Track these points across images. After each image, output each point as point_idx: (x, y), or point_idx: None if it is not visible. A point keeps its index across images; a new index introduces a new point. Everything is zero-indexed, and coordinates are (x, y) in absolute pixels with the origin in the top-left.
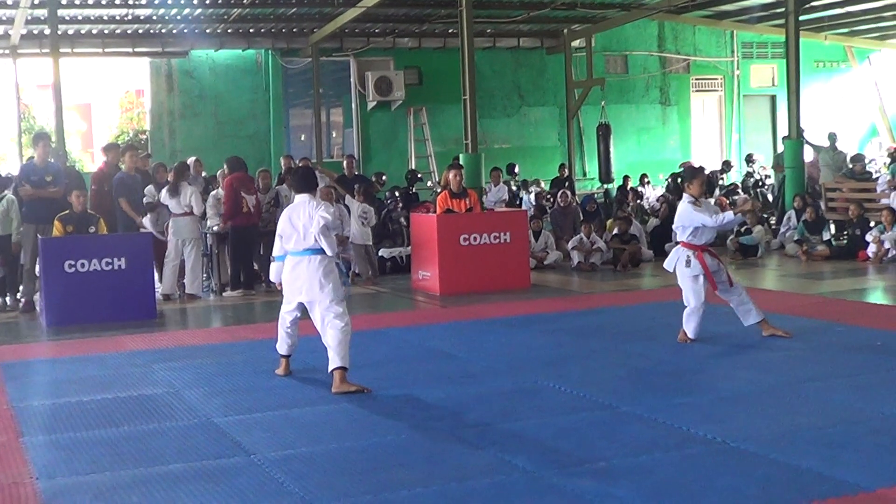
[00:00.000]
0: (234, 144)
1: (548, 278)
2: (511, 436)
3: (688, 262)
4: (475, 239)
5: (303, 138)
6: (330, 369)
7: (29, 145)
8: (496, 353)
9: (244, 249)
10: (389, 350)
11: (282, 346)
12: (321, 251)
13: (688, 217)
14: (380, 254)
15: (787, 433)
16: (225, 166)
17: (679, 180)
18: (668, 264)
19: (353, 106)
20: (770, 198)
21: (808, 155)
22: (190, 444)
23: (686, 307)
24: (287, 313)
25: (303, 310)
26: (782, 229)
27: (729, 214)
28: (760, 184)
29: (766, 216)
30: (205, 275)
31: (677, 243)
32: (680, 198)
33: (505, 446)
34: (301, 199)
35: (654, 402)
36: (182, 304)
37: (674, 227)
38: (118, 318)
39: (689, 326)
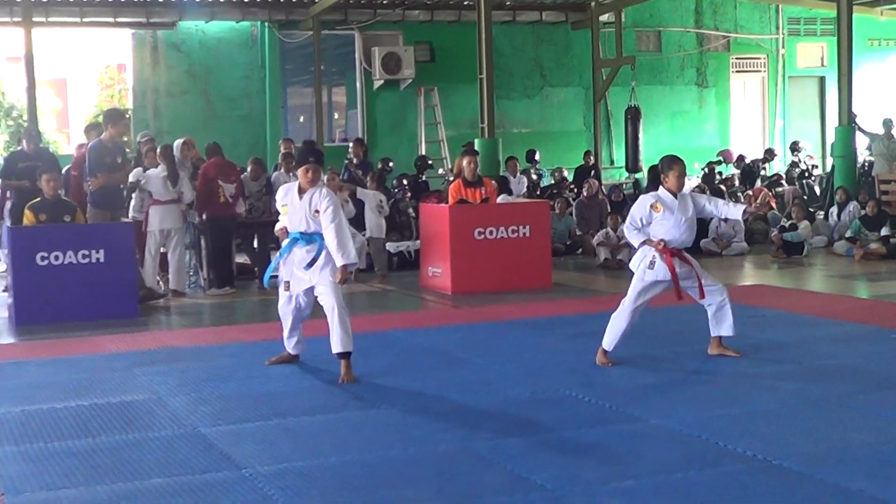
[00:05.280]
0: (226, 126)
1: (571, 277)
2: (530, 450)
3: (651, 264)
4: (491, 232)
5: (301, 120)
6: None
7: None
8: (513, 359)
9: (223, 243)
10: (396, 354)
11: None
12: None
13: (634, 213)
14: (386, 248)
15: (834, 450)
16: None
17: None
18: (633, 263)
19: (358, 85)
20: (818, 190)
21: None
22: (174, 456)
23: (618, 311)
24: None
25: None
26: (832, 225)
27: (636, 240)
28: (807, 174)
29: (812, 210)
30: (191, 270)
31: (643, 243)
32: (713, 190)
33: (523, 462)
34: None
35: (688, 415)
36: (166, 301)
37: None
38: (96, 316)
39: (609, 335)
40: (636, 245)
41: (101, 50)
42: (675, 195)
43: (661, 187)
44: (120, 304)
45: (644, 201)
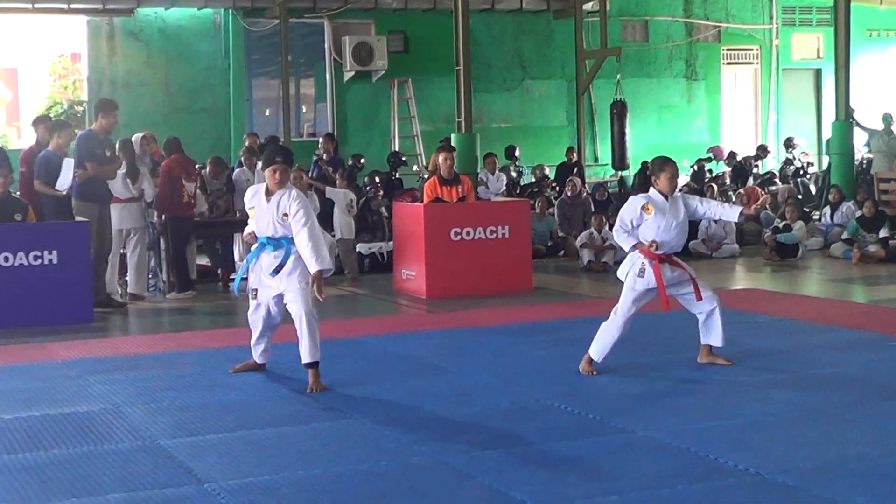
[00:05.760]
0: (188, 119)
1: (553, 280)
2: (509, 464)
3: (641, 272)
4: (468, 233)
5: (268, 113)
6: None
7: None
8: (492, 367)
9: (184, 244)
10: (367, 362)
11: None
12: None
13: (624, 215)
14: (357, 249)
15: (832, 464)
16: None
17: (648, 171)
18: (621, 272)
19: (328, 76)
20: (813, 189)
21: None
22: (132, 470)
23: (609, 321)
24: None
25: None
26: (824, 227)
27: (627, 245)
28: (802, 172)
29: (808, 211)
30: (150, 273)
31: (634, 247)
32: (701, 190)
33: (502, 476)
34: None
35: (676, 427)
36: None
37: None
38: (48, 321)
39: (598, 346)
40: (626, 249)
41: (54, 38)
42: (666, 197)
43: (651, 189)
44: (74, 309)
45: (635, 202)
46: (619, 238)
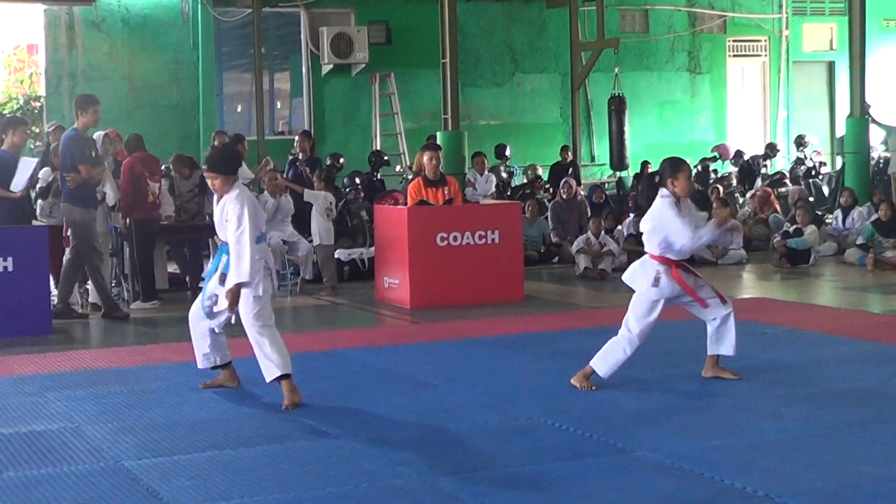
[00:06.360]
0: (153, 116)
1: (546, 288)
2: (499, 486)
3: (655, 281)
4: (455, 238)
5: (239, 110)
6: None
7: None
8: (481, 382)
9: (150, 249)
10: (347, 377)
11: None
12: None
13: (668, 223)
14: (336, 255)
15: (847, 486)
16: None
17: (657, 177)
18: (630, 279)
19: (304, 70)
20: (826, 191)
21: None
22: (93, 493)
23: (620, 336)
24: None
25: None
26: (836, 232)
27: (707, 232)
28: (814, 173)
29: (820, 214)
30: (113, 281)
31: (642, 252)
32: (705, 193)
33: (491, 499)
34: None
35: (679, 446)
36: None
37: (642, 229)
38: (3, 333)
39: (606, 361)
40: (708, 239)
41: (9, 28)
42: (678, 200)
43: (664, 190)
44: (31, 320)
45: (668, 204)
46: (694, 241)
